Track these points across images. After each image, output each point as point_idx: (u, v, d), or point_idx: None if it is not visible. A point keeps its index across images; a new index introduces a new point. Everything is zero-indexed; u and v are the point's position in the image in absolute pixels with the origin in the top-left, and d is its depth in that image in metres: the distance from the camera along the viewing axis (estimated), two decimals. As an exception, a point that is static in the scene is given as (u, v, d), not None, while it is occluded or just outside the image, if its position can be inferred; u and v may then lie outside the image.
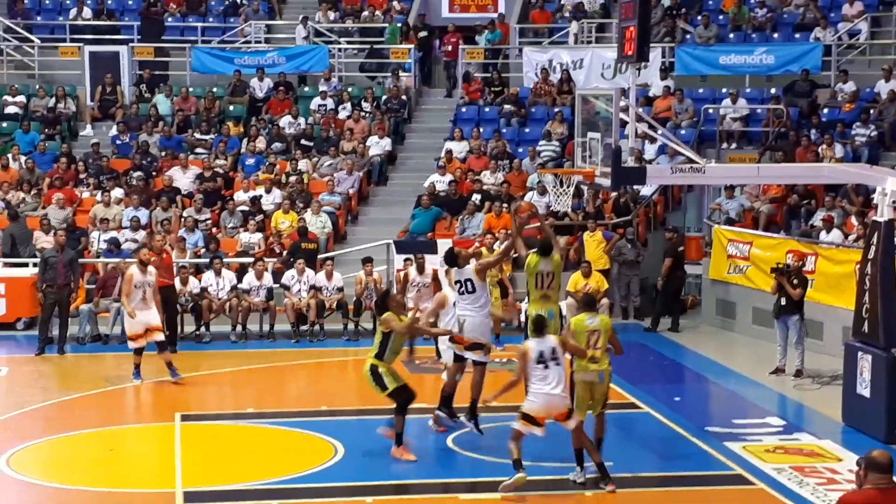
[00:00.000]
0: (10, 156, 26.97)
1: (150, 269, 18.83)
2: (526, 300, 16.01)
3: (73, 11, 31.48)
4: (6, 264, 23.31)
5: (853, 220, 21.87)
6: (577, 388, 13.47)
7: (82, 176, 26.60)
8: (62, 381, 19.12)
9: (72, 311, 21.27)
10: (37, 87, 29.74)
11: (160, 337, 18.62)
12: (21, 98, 29.31)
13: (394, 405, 14.33)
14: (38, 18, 31.60)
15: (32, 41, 30.51)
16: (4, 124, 28.63)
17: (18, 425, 16.12)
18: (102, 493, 13.39)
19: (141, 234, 23.80)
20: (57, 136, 28.40)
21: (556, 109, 27.74)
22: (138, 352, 18.55)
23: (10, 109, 29.07)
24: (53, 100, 29.27)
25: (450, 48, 30.93)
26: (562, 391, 12.85)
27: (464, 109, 29.31)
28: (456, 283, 15.14)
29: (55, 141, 28.16)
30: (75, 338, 21.30)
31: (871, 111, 26.04)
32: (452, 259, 15.34)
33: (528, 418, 12.81)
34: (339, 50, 30.73)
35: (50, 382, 19.19)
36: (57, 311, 20.80)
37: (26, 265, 22.91)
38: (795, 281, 18.64)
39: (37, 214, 24.93)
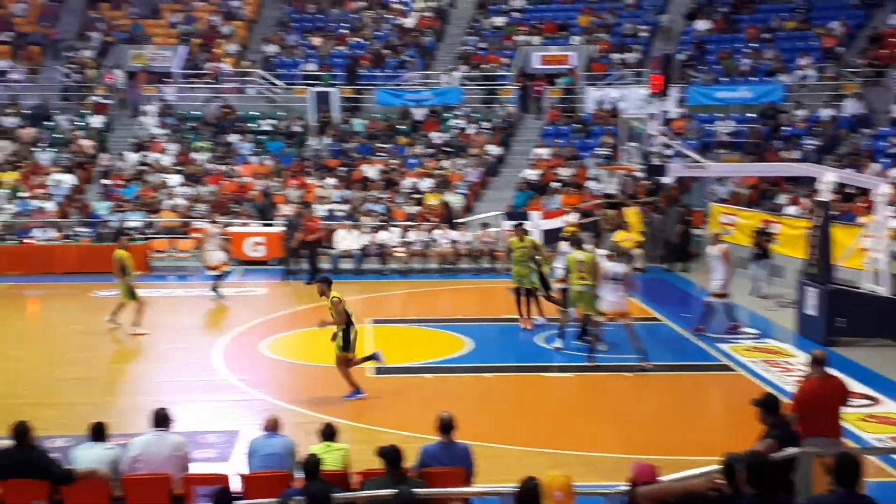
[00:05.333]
0: (264, 156, 27.44)
1: (217, 224, 19.44)
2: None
3: (303, 65, 31.79)
4: (264, 224, 23.82)
5: (804, 199, 21.20)
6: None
7: (308, 169, 26.93)
8: (298, 298, 19.52)
9: (301, 253, 21.62)
10: (280, 113, 30.16)
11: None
12: (271, 121, 29.75)
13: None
14: (281, 70, 31.95)
15: (278, 84, 30.93)
16: (262, 137, 29.10)
17: (273, 324, 16.50)
18: (322, 367, 13.70)
19: (346, 207, 24.08)
20: (293, 145, 28.78)
21: (608, 128, 27.27)
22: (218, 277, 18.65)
23: (265, 127, 29.55)
24: (290, 122, 29.67)
25: (539, 88, 30.55)
26: None
27: (548, 128, 28.96)
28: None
29: (292, 147, 28.55)
30: (304, 271, 21.64)
31: (815, 129, 25.12)
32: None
33: None
34: (469, 89, 30.55)
35: (290, 298, 19.61)
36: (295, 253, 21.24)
37: (273, 224, 23.39)
38: (766, 239, 18.48)
39: (280, 193, 25.37)
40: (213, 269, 18.91)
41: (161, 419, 7.85)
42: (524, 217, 23.10)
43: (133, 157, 27.02)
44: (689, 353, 14.52)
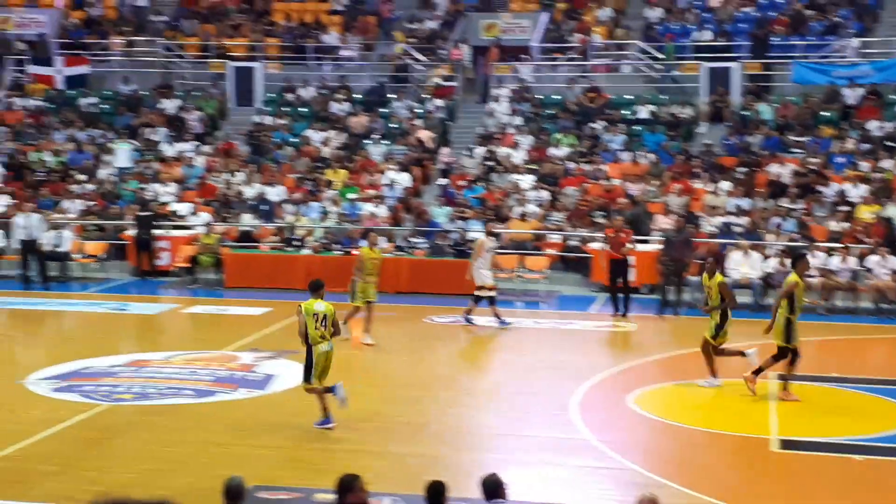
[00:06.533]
0: (640, 153, 27.74)
1: (493, 235, 20.43)
2: None
3: (696, 34, 31.68)
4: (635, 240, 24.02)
5: None
6: None
7: (696, 170, 26.78)
8: (676, 338, 19.45)
9: (685, 281, 21.58)
10: (662, 97, 30.30)
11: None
12: (651, 106, 29.97)
13: None
14: (666, 41, 32.06)
15: (660, 59, 31.08)
16: (637, 127, 29.42)
17: (644, 370, 16.57)
18: (709, 433, 13.50)
19: (744, 220, 23.68)
20: (677, 137, 28.78)
21: None
22: (476, 300, 19.63)
23: (642, 115, 29.83)
24: (675, 107, 29.70)
25: None
26: None
27: None
28: None
29: (675, 141, 28.57)
30: (687, 303, 21.56)
31: None
32: None
33: None
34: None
35: (666, 338, 19.60)
36: (674, 280, 21.26)
37: (648, 241, 23.54)
38: None
39: (658, 201, 25.46)
40: (483, 289, 19.72)
41: (492, 488, 8.13)
42: None
43: (479, 153, 28.49)
44: None
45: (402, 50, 32.62)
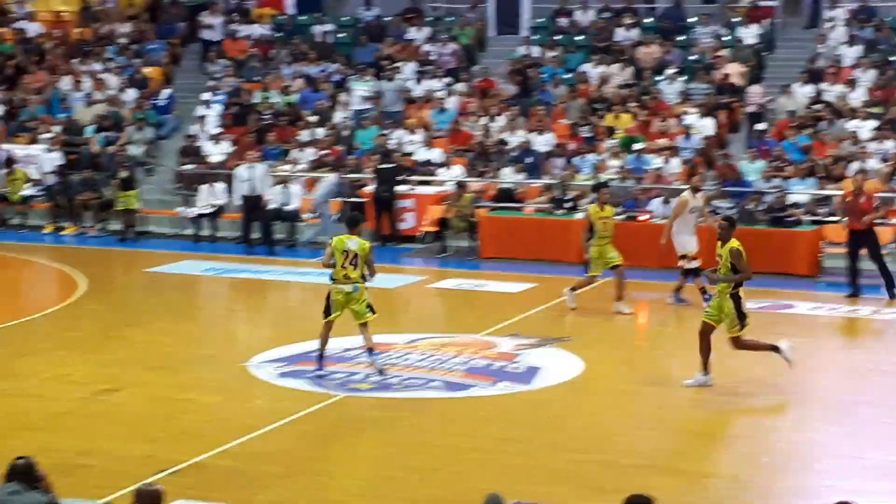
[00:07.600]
0: None
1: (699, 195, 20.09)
2: None
3: None
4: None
5: None
6: None
7: None
8: None
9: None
10: None
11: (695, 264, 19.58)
12: None
13: None
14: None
15: None
16: None
17: None
18: None
19: None
20: None
21: None
22: (686, 273, 19.69)
23: None
24: None
25: None
26: None
27: None
28: None
29: None
30: None
31: None
32: None
33: None
34: None
35: None
36: None
37: None
38: None
39: None
40: (686, 258, 19.76)
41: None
42: None
43: (804, 92, 27.66)
44: None
45: None
